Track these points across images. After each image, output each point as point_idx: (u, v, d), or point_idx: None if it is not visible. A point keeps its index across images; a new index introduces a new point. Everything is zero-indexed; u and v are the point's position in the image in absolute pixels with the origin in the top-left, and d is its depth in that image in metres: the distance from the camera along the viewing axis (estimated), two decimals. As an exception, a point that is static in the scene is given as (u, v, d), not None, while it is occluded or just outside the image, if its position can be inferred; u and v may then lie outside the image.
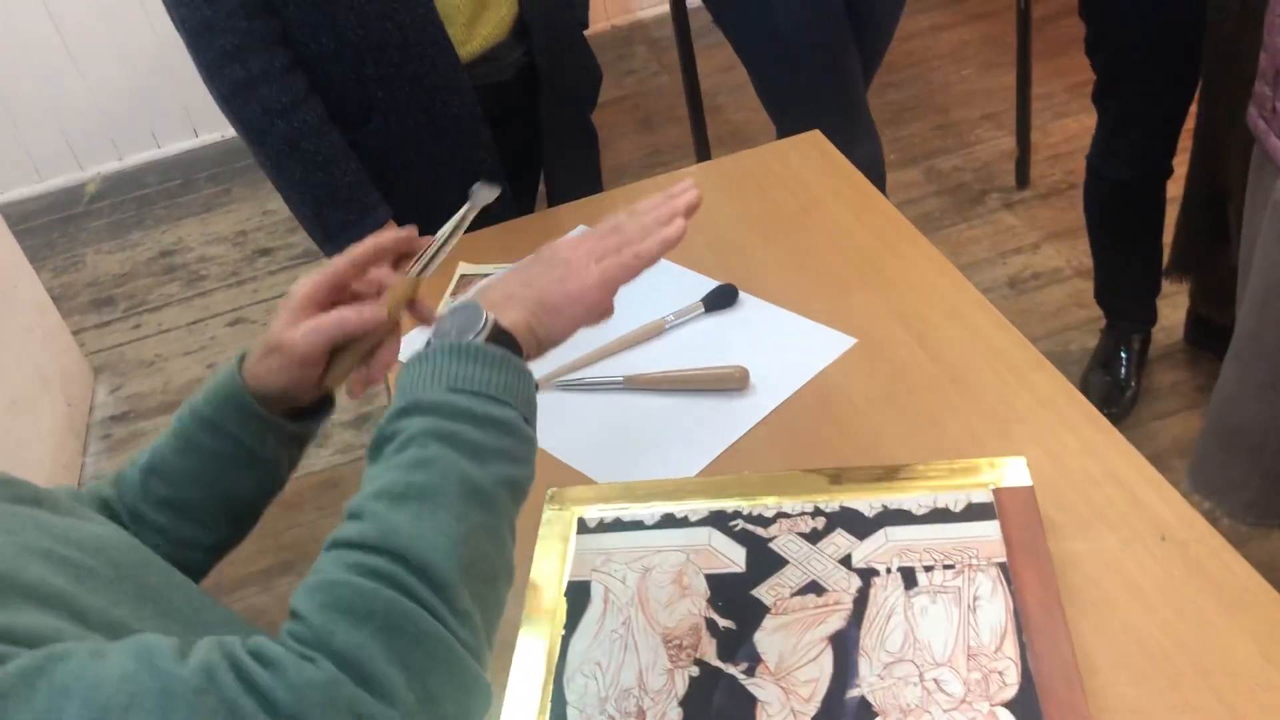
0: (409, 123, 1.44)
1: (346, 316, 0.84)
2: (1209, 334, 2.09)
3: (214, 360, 2.76)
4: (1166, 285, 2.03)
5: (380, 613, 0.60)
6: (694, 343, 1.21)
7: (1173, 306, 2.22)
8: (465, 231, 0.94)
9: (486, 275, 1.38)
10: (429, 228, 1.46)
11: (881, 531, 0.91)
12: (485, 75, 1.47)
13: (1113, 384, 2.10)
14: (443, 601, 0.62)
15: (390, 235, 0.89)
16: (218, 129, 3.57)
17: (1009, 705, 0.77)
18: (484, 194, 0.92)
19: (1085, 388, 2.10)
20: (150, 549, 0.79)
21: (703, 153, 2.69)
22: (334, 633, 0.59)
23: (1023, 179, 2.70)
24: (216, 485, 0.88)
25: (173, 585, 0.76)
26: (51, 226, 3.42)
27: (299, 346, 0.83)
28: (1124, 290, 2.10)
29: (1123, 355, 2.12)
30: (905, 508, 0.92)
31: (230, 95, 1.33)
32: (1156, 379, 2.16)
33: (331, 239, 1.40)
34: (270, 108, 1.33)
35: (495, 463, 0.70)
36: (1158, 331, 2.18)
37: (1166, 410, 2.09)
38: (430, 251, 0.91)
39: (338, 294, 0.87)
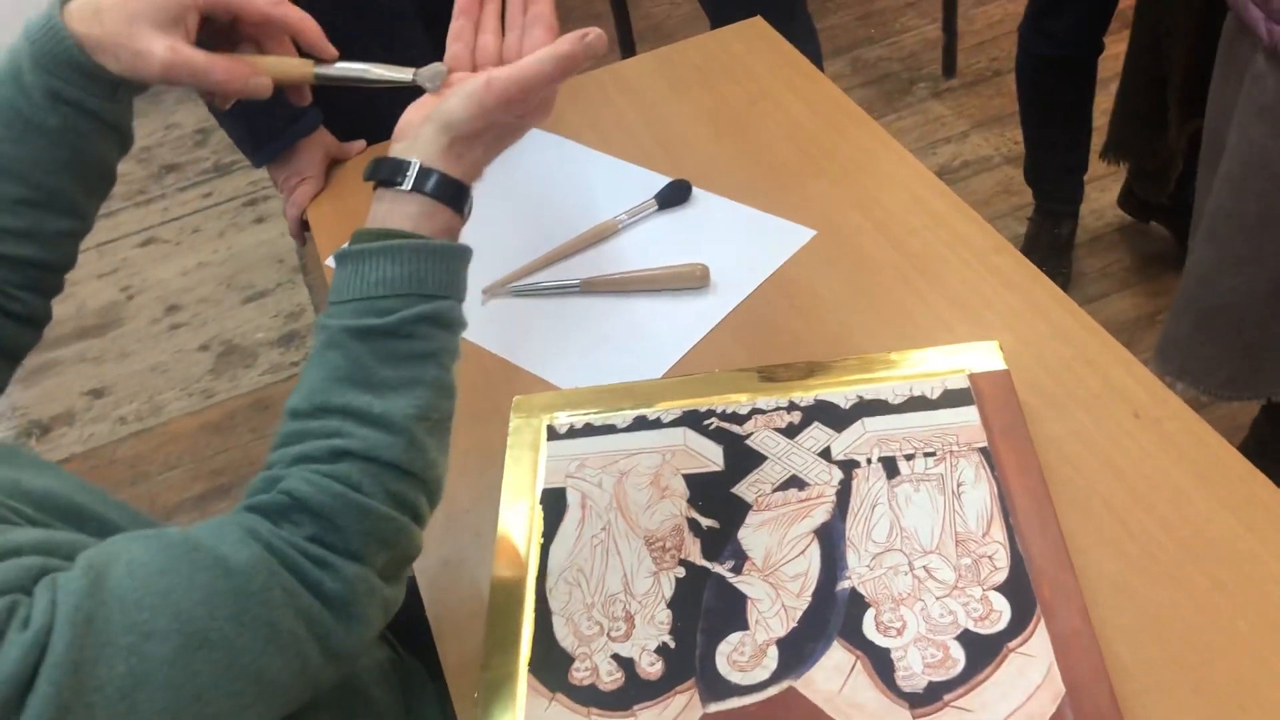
0: (337, 21, 1.36)
1: (224, 75, 0.74)
2: (1144, 207, 2.11)
3: (128, 283, 2.65)
4: (1095, 168, 2.04)
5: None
6: (649, 242, 1.18)
7: (1099, 190, 2.24)
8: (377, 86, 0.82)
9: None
10: (361, 134, 1.40)
11: (859, 422, 0.90)
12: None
13: (1043, 269, 2.12)
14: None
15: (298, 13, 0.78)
16: (111, 39, 3.37)
17: (1001, 589, 0.77)
18: (428, 75, 0.80)
19: (1020, 274, 2.11)
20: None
21: (628, 50, 2.62)
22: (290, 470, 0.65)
23: (949, 68, 2.68)
24: (75, 163, 0.76)
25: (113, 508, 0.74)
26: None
27: (155, 72, 0.73)
28: (1053, 169, 2.10)
29: (1053, 238, 2.14)
30: (881, 397, 0.91)
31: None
32: (1086, 263, 2.18)
33: (259, 146, 1.33)
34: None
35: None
36: (1086, 215, 2.19)
37: (1099, 293, 2.12)
38: (343, 67, 0.80)
39: (219, 19, 0.76)
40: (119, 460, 2.22)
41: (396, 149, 0.73)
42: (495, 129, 0.73)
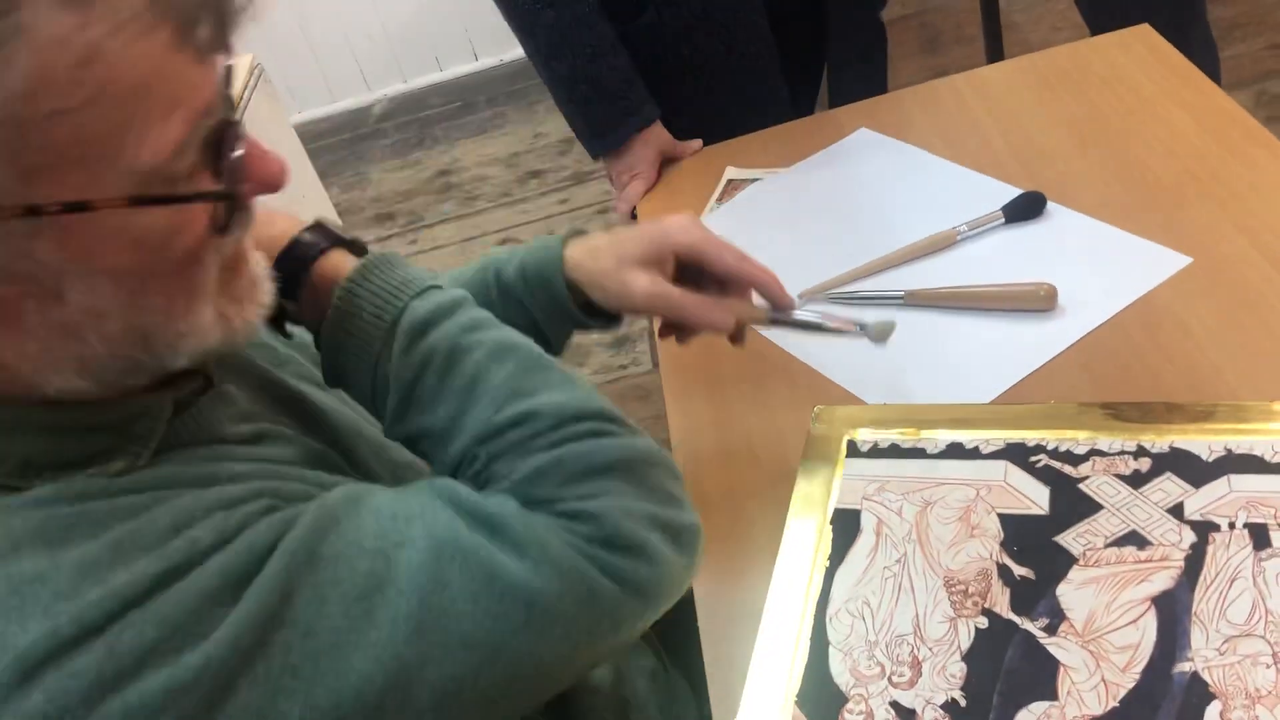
0: (684, 15, 1.35)
1: (696, 311, 0.83)
2: None
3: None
4: None
5: (615, 459, 0.65)
6: (991, 257, 1.06)
7: None
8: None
9: (754, 180, 1.28)
10: (698, 133, 1.38)
11: (1224, 479, 0.75)
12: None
13: None
14: (621, 425, 0.67)
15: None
16: (496, 53, 3.61)
17: (1398, 705, 0.61)
18: (876, 330, 0.91)
19: None
20: None
21: (996, 70, 2.46)
22: (593, 492, 0.64)
23: (1380, 104, 2.32)
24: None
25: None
26: (341, 145, 3.57)
27: (637, 300, 0.82)
28: None
29: None
30: (1256, 453, 0.76)
31: (500, -16, 1.28)
32: None
33: (597, 136, 1.33)
34: (539, -3, 1.26)
35: (495, 320, 0.71)
36: None
37: None
38: (796, 314, 0.88)
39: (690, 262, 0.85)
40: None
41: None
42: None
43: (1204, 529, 0.72)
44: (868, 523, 0.80)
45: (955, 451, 0.84)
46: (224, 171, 0.53)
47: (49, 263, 0.49)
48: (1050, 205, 1.08)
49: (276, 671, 0.51)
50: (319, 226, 0.71)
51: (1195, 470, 0.76)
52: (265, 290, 0.61)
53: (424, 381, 0.67)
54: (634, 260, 0.82)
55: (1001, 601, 0.73)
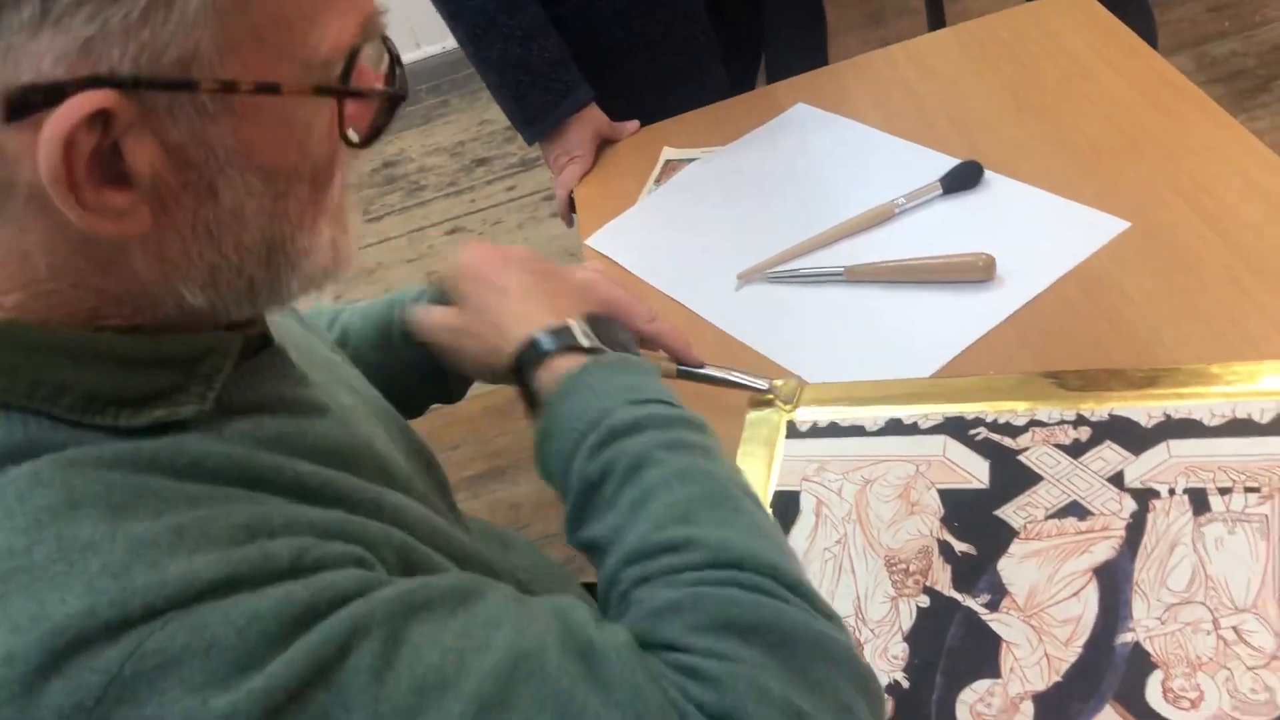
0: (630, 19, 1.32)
1: None
2: None
3: (433, 269, 2.76)
4: None
5: (768, 625, 0.53)
6: (930, 228, 1.05)
7: None
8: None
9: (692, 160, 1.26)
10: (634, 114, 1.35)
11: (1163, 445, 0.74)
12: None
13: None
14: (805, 600, 0.54)
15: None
16: (438, 41, 3.56)
17: (1339, 667, 0.60)
18: (785, 392, 0.88)
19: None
20: None
21: (939, 43, 2.46)
22: (726, 652, 0.51)
23: (1319, 64, 2.33)
24: (394, 384, 0.80)
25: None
26: (284, 140, 3.52)
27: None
28: None
29: None
30: (1195, 417, 0.75)
31: (427, -32, 1.25)
32: None
33: (530, 121, 1.30)
34: (468, -20, 1.24)
35: (719, 456, 0.63)
36: None
37: None
38: (704, 371, 0.86)
39: None
40: (408, 437, 2.30)
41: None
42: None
43: (1144, 496, 0.72)
44: (807, 504, 0.79)
45: (894, 428, 0.82)
46: (391, 78, 0.55)
47: (218, 151, 0.48)
48: (988, 174, 1.07)
49: None
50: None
51: (1135, 437, 0.75)
52: (359, 224, 0.59)
53: (603, 488, 0.61)
54: None
55: (943, 579, 0.72)
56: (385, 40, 0.54)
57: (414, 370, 0.83)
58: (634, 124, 1.35)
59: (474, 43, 1.28)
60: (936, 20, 2.44)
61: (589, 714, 0.49)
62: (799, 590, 0.55)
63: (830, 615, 0.55)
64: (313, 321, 0.80)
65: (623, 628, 0.54)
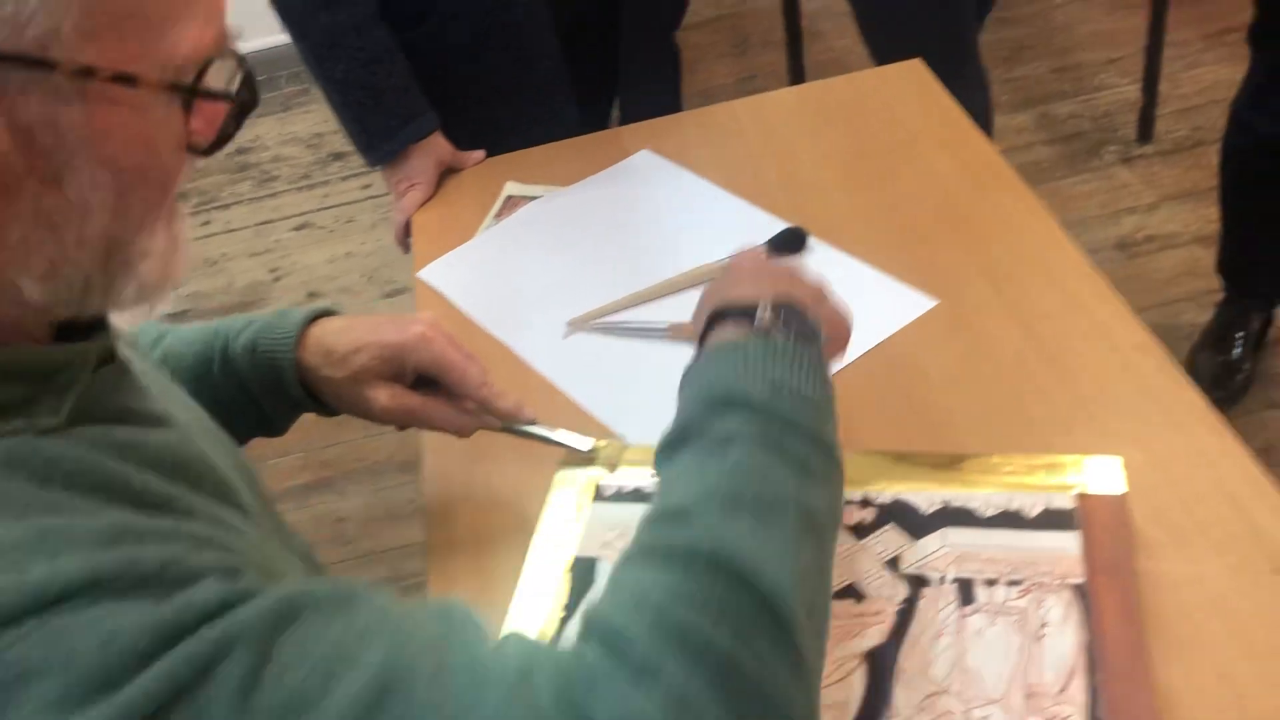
0: (468, 27, 1.32)
1: (434, 420, 0.85)
2: None
3: (277, 265, 2.69)
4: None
5: (720, 658, 0.50)
6: (752, 291, 1.08)
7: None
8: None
9: (534, 198, 1.26)
10: (482, 144, 1.35)
11: (940, 532, 0.78)
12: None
13: (1224, 365, 1.91)
14: (786, 651, 0.52)
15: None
16: (304, 25, 3.48)
17: (1071, 763, 0.64)
18: (607, 455, 0.89)
19: (1193, 367, 1.91)
20: None
21: (797, 79, 2.52)
22: (664, 666, 0.49)
23: (1145, 132, 2.47)
24: (212, 413, 0.78)
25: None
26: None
27: (374, 413, 0.84)
28: (1254, 263, 1.89)
29: (1239, 335, 1.92)
30: (970, 506, 0.79)
31: (272, -18, 1.22)
32: (1272, 363, 1.96)
33: (370, 147, 1.29)
34: (313, -1, 1.21)
35: (821, 488, 0.61)
36: (1280, 311, 1.98)
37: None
38: (530, 429, 0.87)
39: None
40: (239, 438, 2.24)
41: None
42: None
43: (917, 583, 0.75)
44: (602, 571, 0.80)
45: (696, 496, 0.84)
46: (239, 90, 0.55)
47: (68, 138, 0.48)
48: (811, 240, 1.11)
49: None
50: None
51: (915, 522, 0.79)
52: (188, 237, 0.59)
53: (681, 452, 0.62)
54: (372, 375, 0.83)
55: (725, 654, 0.74)
56: (240, 58, 0.55)
57: (230, 403, 0.84)
58: (479, 154, 1.35)
59: (318, 62, 1.26)
60: (795, 56, 2.50)
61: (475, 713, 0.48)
62: (784, 632, 0.53)
63: (802, 679, 0.53)
64: (134, 338, 0.79)
65: (513, 646, 0.53)
